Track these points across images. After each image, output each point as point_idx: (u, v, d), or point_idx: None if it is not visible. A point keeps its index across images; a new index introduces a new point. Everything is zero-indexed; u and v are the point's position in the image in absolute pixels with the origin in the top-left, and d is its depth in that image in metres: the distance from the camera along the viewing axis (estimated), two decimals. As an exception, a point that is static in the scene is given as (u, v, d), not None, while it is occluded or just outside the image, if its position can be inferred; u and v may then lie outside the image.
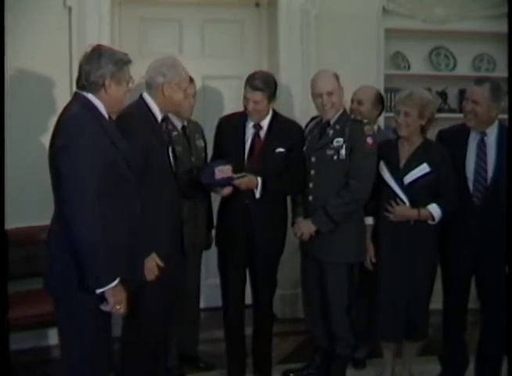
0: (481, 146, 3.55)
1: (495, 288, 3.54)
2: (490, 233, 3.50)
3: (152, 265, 3.07)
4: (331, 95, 3.61)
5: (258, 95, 3.59)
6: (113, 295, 2.65)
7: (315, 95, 3.67)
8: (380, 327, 3.64)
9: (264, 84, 3.60)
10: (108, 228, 2.59)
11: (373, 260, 3.64)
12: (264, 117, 3.68)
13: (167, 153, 3.22)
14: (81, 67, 2.73)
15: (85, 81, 2.70)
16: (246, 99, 3.64)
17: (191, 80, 3.72)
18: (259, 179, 3.57)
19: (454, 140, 3.60)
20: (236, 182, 3.50)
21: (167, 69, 3.17)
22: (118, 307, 2.68)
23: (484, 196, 3.51)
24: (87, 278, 2.59)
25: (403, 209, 3.50)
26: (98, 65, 2.69)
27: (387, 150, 3.61)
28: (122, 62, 2.76)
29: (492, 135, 3.55)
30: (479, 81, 3.59)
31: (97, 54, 2.71)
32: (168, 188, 3.18)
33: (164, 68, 3.18)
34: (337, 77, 3.68)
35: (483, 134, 3.55)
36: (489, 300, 3.60)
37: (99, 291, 2.62)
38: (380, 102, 4.19)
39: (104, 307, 2.67)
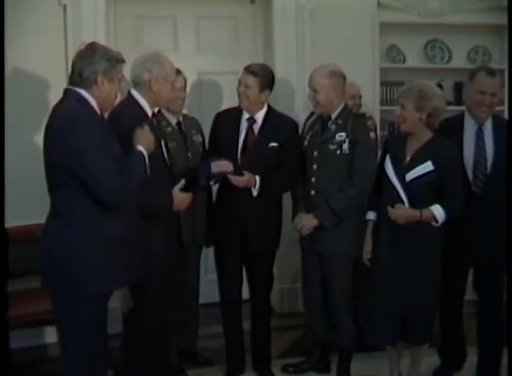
0: (480, 134, 3.53)
1: (495, 276, 3.54)
2: (490, 222, 3.48)
3: (184, 195, 3.17)
4: (316, 93, 3.62)
5: (251, 79, 3.58)
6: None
7: (309, 88, 3.69)
8: (373, 328, 3.49)
9: (259, 70, 3.61)
10: None
11: (369, 256, 3.53)
12: (256, 110, 3.66)
13: (161, 148, 3.21)
14: (73, 64, 2.74)
15: (78, 76, 2.71)
16: (239, 83, 3.63)
17: (178, 72, 3.72)
18: (257, 178, 3.55)
19: (450, 130, 3.53)
20: (233, 179, 3.48)
21: (151, 64, 3.17)
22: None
23: (484, 184, 3.47)
24: None
25: (403, 211, 3.28)
26: (91, 61, 2.70)
27: (395, 145, 3.48)
28: (115, 59, 2.77)
29: (488, 123, 3.54)
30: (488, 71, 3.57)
31: (91, 51, 2.72)
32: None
33: (149, 64, 3.17)
34: (333, 74, 3.62)
35: (480, 122, 3.53)
36: (488, 290, 3.58)
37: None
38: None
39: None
